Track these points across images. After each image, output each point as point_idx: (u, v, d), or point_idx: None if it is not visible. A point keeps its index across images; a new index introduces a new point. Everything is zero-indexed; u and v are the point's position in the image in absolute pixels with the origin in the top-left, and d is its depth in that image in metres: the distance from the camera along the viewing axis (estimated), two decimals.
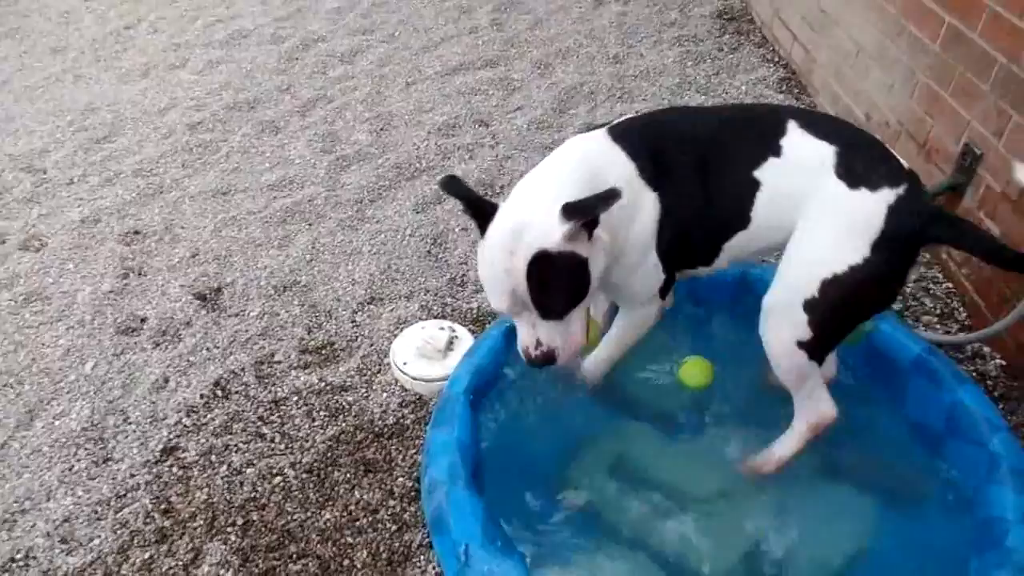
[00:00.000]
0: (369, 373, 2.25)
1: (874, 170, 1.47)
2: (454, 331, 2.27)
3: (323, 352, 2.34)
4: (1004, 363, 2.16)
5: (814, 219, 1.50)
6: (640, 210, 1.55)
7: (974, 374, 2.14)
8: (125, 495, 1.95)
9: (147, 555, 1.80)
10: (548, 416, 1.97)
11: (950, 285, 2.40)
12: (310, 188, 3.01)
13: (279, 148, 3.27)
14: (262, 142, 3.32)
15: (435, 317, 2.40)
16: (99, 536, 1.85)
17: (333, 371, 2.26)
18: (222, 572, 1.76)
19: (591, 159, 1.53)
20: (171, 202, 2.97)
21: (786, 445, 1.73)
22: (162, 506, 1.91)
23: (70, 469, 2.01)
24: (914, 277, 2.44)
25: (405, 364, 2.19)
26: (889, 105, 2.73)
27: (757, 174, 1.55)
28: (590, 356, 1.85)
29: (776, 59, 3.70)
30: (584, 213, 1.34)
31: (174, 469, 2.00)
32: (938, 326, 2.29)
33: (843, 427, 1.92)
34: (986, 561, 1.51)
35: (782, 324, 1.55)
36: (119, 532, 1.86)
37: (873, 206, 1.45)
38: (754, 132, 1.58)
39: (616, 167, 1.53)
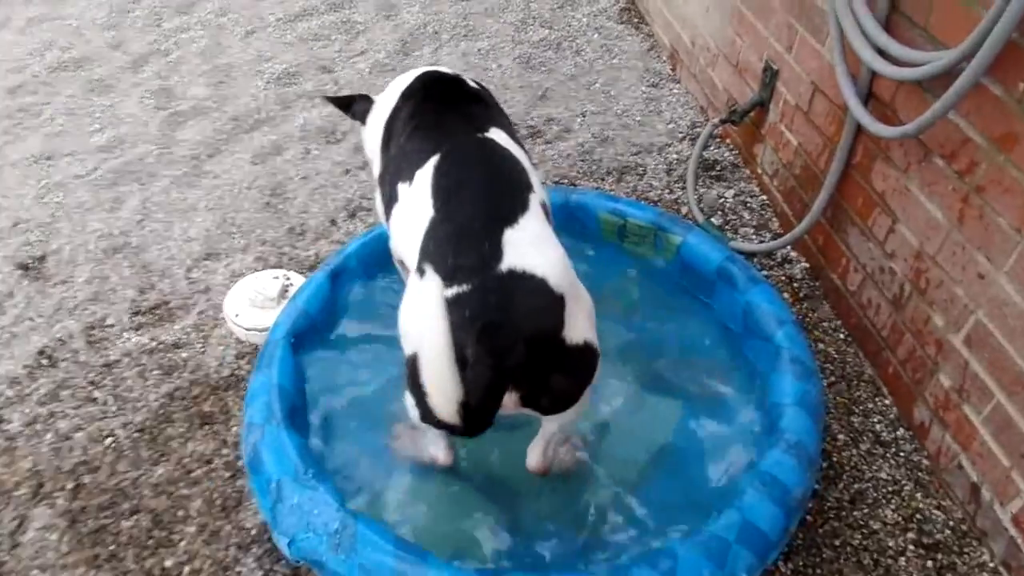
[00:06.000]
0: (206, 329, 2.23)
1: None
2: (288, 279, 2.27)
3: (157, 312, 2.30)
4: (808, 266, 2.33)
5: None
6: None
7: (783, 278, 2.31)
8: None
9: None
10: (374, 355, 2.01)
11: (765, 198, 2.55)
12: (142, 147, 2.90)
13: (109, 108, 3.12)
14: (90, 102, 3.15)
15: (272, 268, 2.39)
16: None
17: (167, 330, 2.23)
18: (48, 535, 1.75)
19: None
20: None
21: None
22: None
23: None
24: (733, 192, 2.58)
25: (237, 316, 2.18)
26: (708, 29, 2.83)
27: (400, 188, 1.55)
28: None
29: None
30: None
31: None
32: (754, 236, 2.44)
33: (661, 337, 2.05)
34: (764, 443, 1.66)
35: None
36: None
37: (424, 295, 1.26)
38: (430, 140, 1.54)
39: None
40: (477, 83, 1.81)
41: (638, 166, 2.74)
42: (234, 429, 1.96)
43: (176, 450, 1.92)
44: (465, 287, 1.23)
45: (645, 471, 1.77)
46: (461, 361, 1.20)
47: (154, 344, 2.18)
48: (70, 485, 1.86)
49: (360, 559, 1.41)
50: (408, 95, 1.74)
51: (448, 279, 1.25)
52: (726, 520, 1.47)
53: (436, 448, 1.67)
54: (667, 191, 2.63)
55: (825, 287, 2.23)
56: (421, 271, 1.32)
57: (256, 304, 2.19)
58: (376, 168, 1.83)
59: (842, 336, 2.15)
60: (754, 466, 1.59)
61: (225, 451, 1.91)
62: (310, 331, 1.95)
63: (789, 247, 2.36)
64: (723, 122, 2.56)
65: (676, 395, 1.93)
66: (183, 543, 1.74)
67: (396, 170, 1.58)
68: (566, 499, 1.73)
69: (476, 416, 1.24)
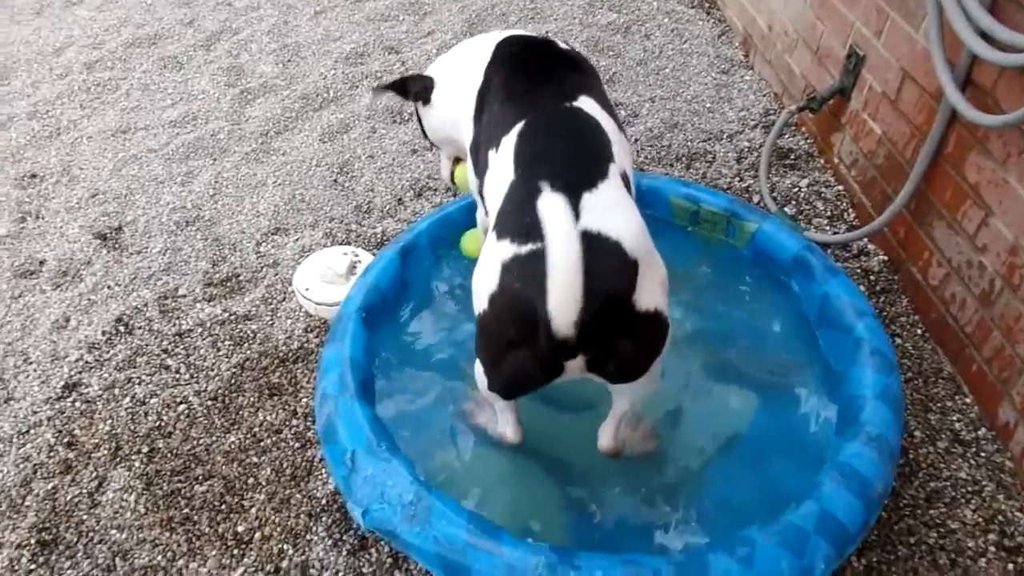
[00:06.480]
0: (274, 302, 2.26)
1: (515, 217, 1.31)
2: (357, 256, 2.29)
3: (228, 284, 2.34)
4: (886, 259, 2.25)
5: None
6: None
7: (859, 270, 2.24)
8: (28, 431, 1.95)
9: (50, 485, 1.82)
10: (441, 331, 2.01)
11: (840, 188, 2.48)
12: (214, 123, 2.95)
13: (182, 84, 3.18)
14: (164, 78, 3.22)
15: (340, 244, 2.41)
16: (1, 471, 1.86)
17: (238, 302, 2.27)
18: (126, 496, 1.80)
19: None
20: (68, 143, 2.89)
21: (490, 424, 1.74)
22: (65, 439, 1.93)
23: None
24: (807, 182, 2.52)
25: (307, 290, 2.20)
26: (787, 14, 2.75)
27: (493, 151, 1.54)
28: None
29: None
30: None
31: (77, 404, 2.01)
32: (828, 227, 2.37)
33: (733, 326, 2.01)
34: (842, 436, 1.62)
35: None
36: (22, 466, 1.87)
37: (495, 254, 1.31)
38: (527, 102, 1.53)
39: None
40: (567, 45, 1.78)
41: (707, 153, 2.69)
42: (303, 400, 1.99)
43: (247, 419, 1.96)
44: (540, 245, 1.23)
45: (716, 459, 1.74)
46: (531, 316, 1.22)
47: (225, 315, 2.22)
48: (145, 449, 1.91)
49: (434, 531, 1.42)
50: (498, 62, 1.72)
51: (524, 236, 1.26)
52: (805, 510, 1.43)
53: (505, 425, 1.66)
54: (737, 179, 2.58)
55: (904, 281, 2.16)
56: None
57: (326, 279, 2.22)
58: (463, 132, 1.79)
59: (920, 332, 2.08)
60: (831, 458, 1.55)
61: (295, 422, 1.94)
62: (380, 306, 1.96)
63: (866, 239, 2.29)
64: (801, 110, 2.49)
65: (747, 384, 1.90)
66: (254, 509, 1.77)
67: (487, 138, 1.57)
68: (636, 482, 1.70)
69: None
